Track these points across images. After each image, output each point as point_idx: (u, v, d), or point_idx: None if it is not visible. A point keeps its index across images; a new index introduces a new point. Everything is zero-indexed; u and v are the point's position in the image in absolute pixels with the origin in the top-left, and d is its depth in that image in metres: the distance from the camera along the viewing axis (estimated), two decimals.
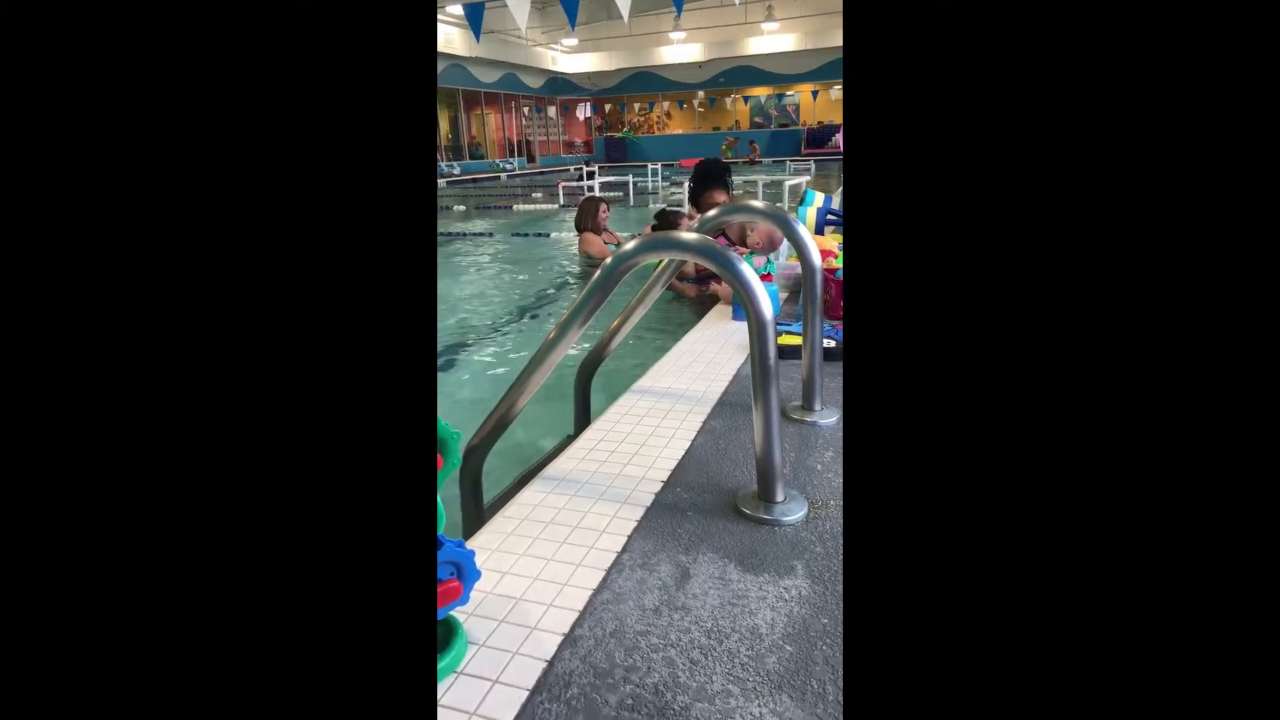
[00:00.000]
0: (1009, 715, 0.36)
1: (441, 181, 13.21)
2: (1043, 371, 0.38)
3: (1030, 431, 0.38)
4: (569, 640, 0.78)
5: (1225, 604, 0.34)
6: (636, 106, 23.14)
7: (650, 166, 12.78)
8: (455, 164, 17.49)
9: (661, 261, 1.49)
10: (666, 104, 22.71)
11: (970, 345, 0.39)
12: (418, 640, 0.43)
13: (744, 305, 1.00)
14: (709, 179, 3.19)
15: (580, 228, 4.53)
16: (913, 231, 0.40)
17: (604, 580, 0.89)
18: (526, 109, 21.41)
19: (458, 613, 0.81)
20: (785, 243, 2.55)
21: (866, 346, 0.41)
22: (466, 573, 0.77)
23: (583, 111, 23.76)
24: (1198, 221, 0.35)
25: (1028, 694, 0.36)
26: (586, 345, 1.76)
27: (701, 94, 21.76)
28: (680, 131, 22.69)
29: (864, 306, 0.41)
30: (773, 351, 1.00)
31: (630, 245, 1.16)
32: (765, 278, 2.21)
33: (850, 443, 0.42)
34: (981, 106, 0.38)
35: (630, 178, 10.17)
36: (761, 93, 21.27)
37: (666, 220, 3.36)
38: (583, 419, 1.69)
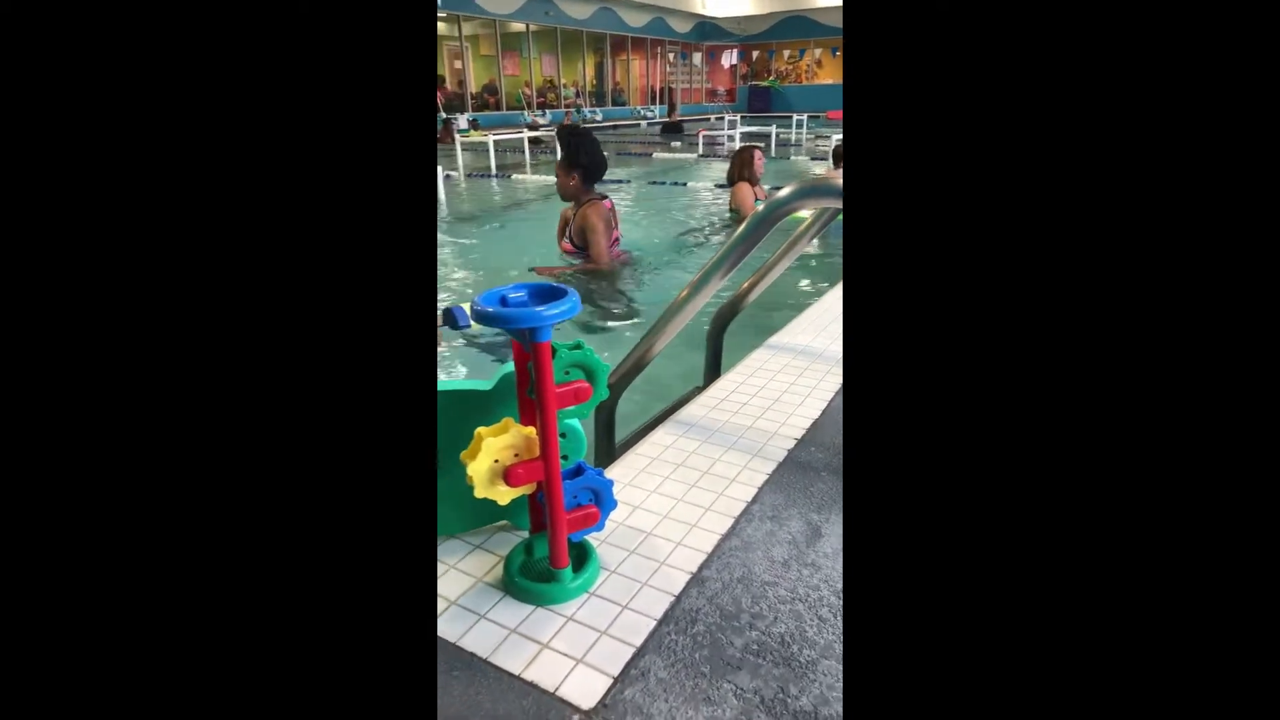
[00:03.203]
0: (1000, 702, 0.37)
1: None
2: (1039, 367, 0.38)
3: (1025, 426, 0.38)
4: (696, 580, 0.80)
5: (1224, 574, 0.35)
6: (785, 54, 22.08)
7: (795, 117, 12.23)
8: (597, 110, 17.65)
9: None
10: (818, 51, 21.47)
11: (969, 342, 0.39)
12: (418, 632, 0.42)
13: None
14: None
15: (733, 179, 4.39)
16: (912, 228, 0.40)
17: (733, 527, 0.90)
18: (671, 55, 21.05)
19: (592, 538, 0.85)
20: None
21: (866, 344, 0.42)
22: (604, 501, 0.80)
23: (728, 59, 23.01)
24: (1196, 208, 0.36)
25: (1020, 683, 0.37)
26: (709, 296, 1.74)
27: None
28: (830, 81, 21.42)
29: (864, 304, 0.42)
30: None
31: (784, 192, 1.12)
32: None
33: (850, 440, 0.42)
34: (982, 104, 0.39)
35: (774, 128, 9.79)
36: None
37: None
38: (713, 369, 1.69)
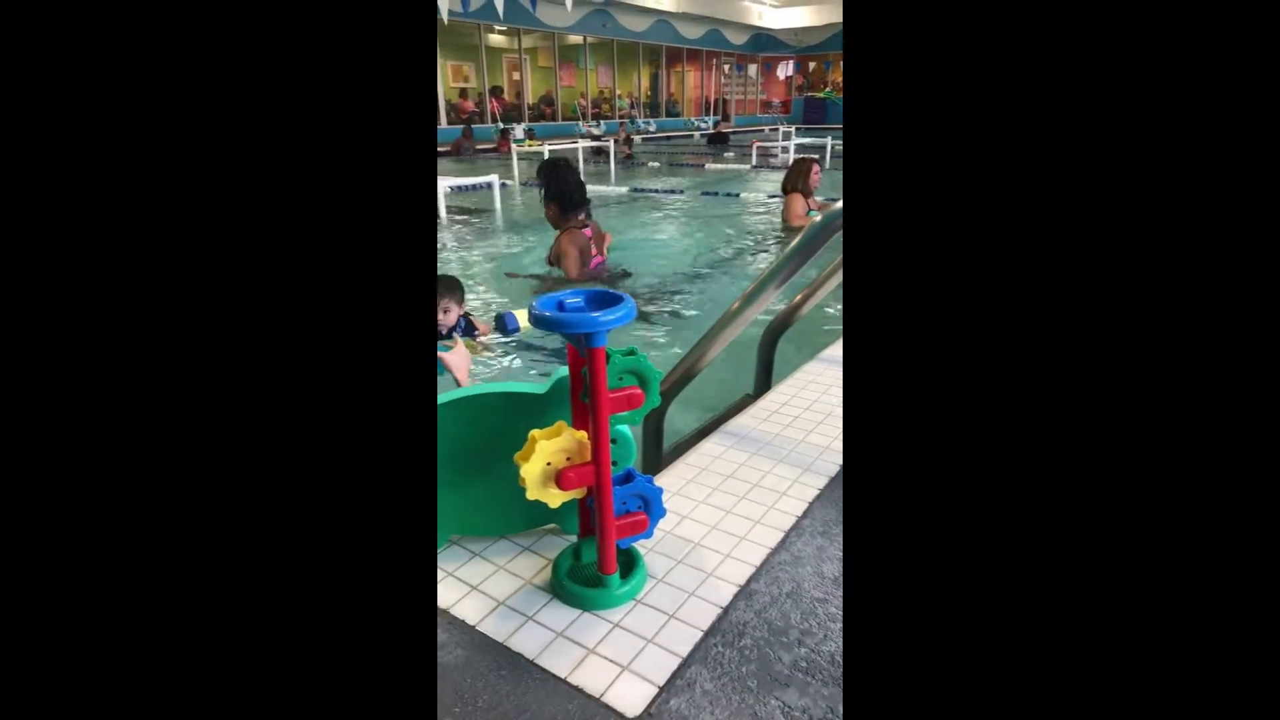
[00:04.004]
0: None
1: (637, 138, 13.55)
2: (1037, 371, 0.38)
3: (1023, 431, 0.38)
4: (744, 592, 0.79)
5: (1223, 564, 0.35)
6: (842, 65, 21.82)
7: None
8: (650, 121, 17.77)
9: None
10: None
11: (970, 345, 0.39)
12: (417, 633, 0.41)
13: None
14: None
15: (787, 189, 4.37)
16: (912, 228, 0.40)
17: (782, 541, 0.88)
18: (726, 67, 21.06)
19: (639, 546, 0.85)
20: None
21: (867, 349, 0.41)
22: (653, 508, 0.80)
23: (784, 70, 22.87)
24: (1194, 231, 0.35)
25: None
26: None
27: None
28: None
29: (864, 305, 0.42)
30: None
31: (842, 204, 1.10)
32: None
33: (850, 440, 0.42)
34: (982, 104, 0.39)
35: (829, 140, 9.68)
36: None
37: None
38: (764, 381, 1.67)
